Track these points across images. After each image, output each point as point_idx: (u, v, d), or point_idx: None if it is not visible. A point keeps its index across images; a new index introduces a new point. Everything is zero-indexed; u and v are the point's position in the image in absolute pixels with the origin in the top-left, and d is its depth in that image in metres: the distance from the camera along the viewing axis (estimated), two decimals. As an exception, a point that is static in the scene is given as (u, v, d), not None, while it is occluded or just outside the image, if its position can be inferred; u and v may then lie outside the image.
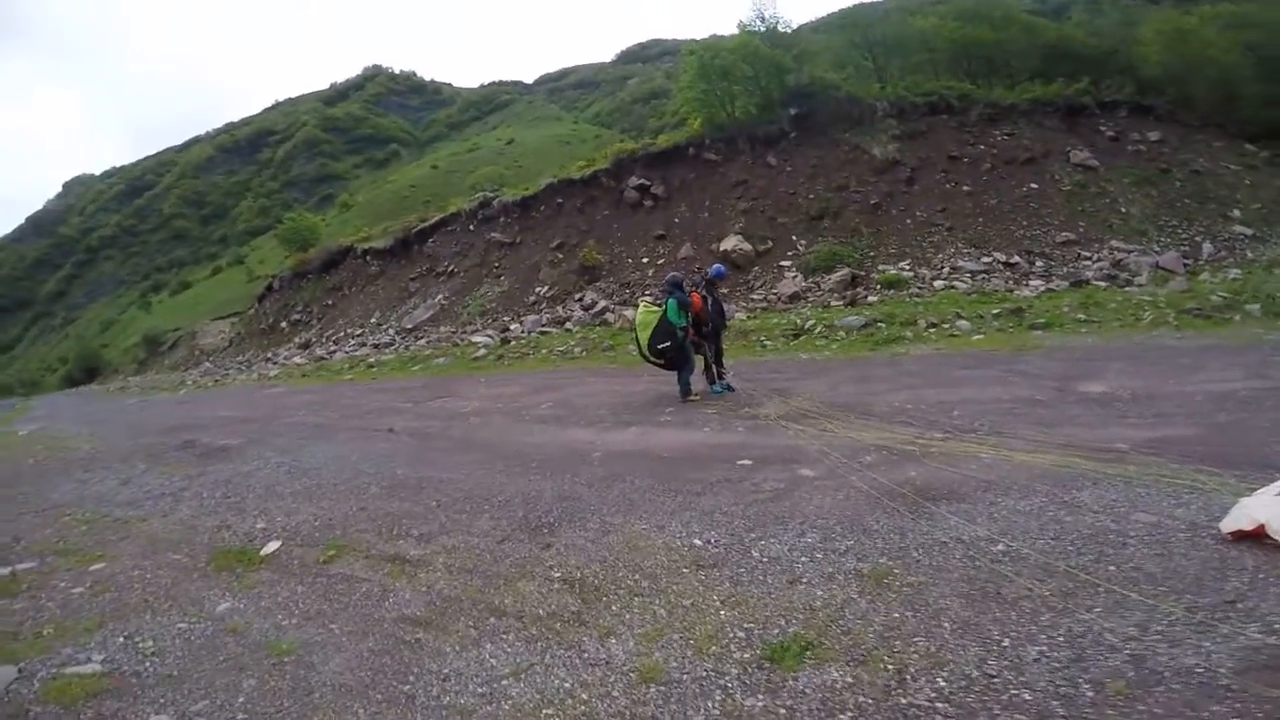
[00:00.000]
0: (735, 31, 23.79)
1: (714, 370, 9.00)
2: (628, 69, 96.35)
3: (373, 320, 27.08)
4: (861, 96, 21.40)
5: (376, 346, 23.63)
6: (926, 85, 21.57)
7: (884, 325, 12.26)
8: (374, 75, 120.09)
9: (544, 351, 15.93)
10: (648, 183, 23.06)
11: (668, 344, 8.39)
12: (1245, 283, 12.71)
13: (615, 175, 24.00)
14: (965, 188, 18.61)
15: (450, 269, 26.01)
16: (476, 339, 18.94)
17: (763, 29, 23.48)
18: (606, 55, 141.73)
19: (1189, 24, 22.18)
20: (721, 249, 19.24)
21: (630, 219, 22.58)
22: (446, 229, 28.32)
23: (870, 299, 15.24)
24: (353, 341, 25.61)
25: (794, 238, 18.96)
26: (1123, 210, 17.53)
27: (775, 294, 17.13)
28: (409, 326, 24.19)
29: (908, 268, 16.61)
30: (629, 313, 18.02)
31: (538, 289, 21.83)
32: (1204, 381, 6.83)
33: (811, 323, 13.18)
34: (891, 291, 15.41)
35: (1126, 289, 13.59)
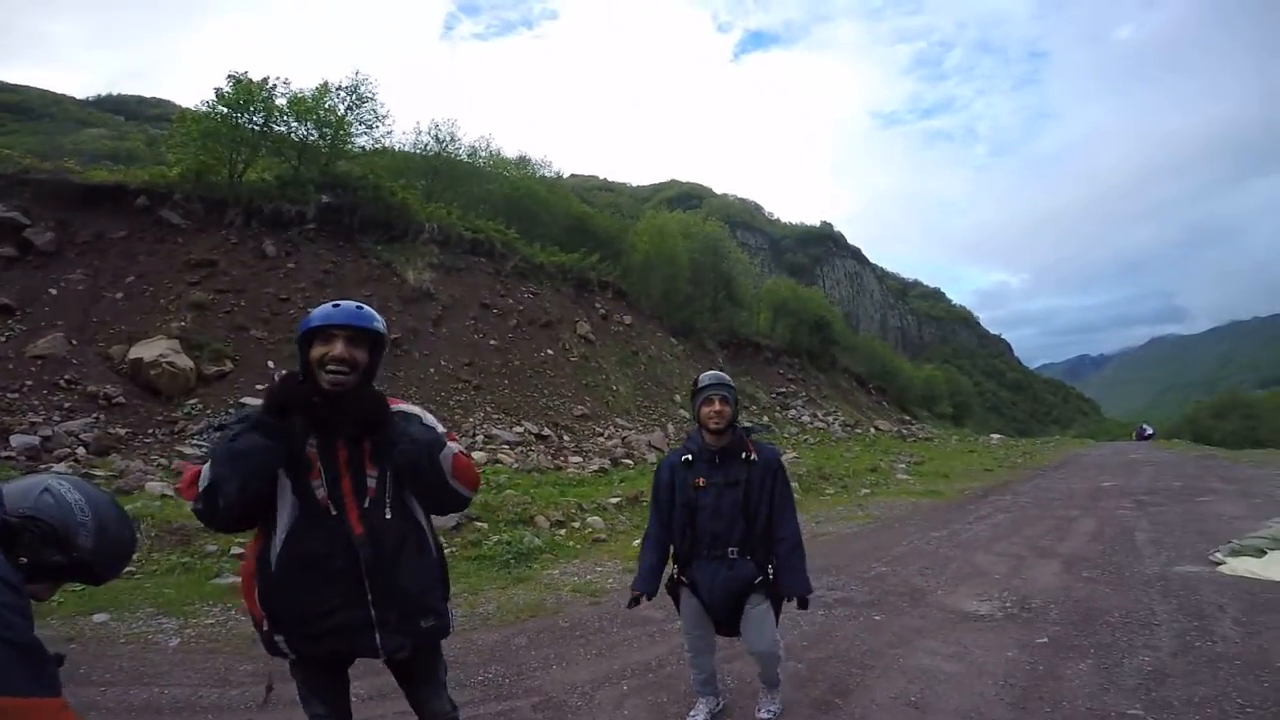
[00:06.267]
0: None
1: None
2: (99, 115, 70.47)
3: None
4: (412, 210, 17.75)
5: None
6: (476, 222, 19.57)
7: (484, 526, 7.19)
8: None
9: None
10: (25, 220, 13.33)
11: None
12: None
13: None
14: (493, 342, 16.58)
15: None
16: None
17: (345, 92, 17.81)
18: (79, 91, 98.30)
19: (668, 224, 26.32)
20: (132, 356, 11.26)
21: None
22: None
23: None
24: None
25: (271, 363, 12.35)
26: (614, 388, 18.08)
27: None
28: None
29: (438, 431, 12.47)
30: None
31: None
32: None
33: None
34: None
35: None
